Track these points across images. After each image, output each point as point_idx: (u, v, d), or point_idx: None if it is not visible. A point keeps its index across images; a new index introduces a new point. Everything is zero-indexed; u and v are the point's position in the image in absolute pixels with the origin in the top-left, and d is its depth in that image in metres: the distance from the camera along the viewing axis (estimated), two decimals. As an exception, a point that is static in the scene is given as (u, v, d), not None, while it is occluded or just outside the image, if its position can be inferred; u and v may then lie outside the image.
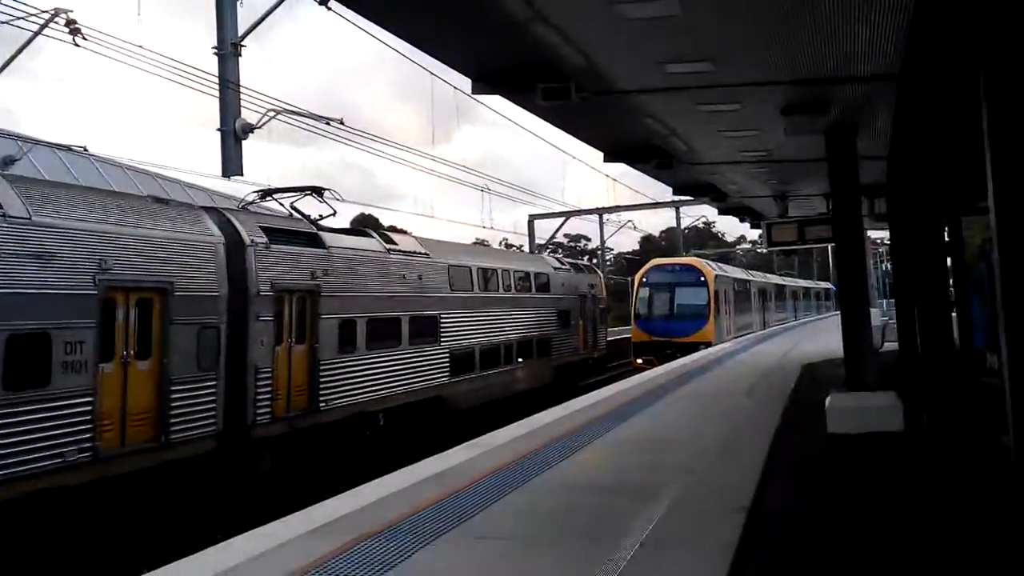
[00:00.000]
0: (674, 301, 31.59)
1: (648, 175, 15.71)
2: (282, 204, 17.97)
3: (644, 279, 32.59)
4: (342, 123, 12.77)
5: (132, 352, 11.52)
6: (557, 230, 60.04)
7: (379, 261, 18.06)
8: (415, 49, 8.43)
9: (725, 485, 7.79)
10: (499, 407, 21.25)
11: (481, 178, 31.76)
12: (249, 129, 11.68)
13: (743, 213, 24.42)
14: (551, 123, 11.75)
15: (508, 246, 73.28)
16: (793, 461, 9.12)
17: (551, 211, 51.80)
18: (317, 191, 17.66)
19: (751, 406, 13.40)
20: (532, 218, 53.10)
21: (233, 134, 11.49)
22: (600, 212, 57.26)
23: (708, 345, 29.43)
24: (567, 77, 8.47)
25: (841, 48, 7.67)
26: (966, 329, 7.95)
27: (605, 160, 14.06)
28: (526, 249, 54.16)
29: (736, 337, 34.53)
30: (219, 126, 12.62)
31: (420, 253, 20.14)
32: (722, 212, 25.89)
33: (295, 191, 17.72)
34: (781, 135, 11.25)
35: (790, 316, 55.02)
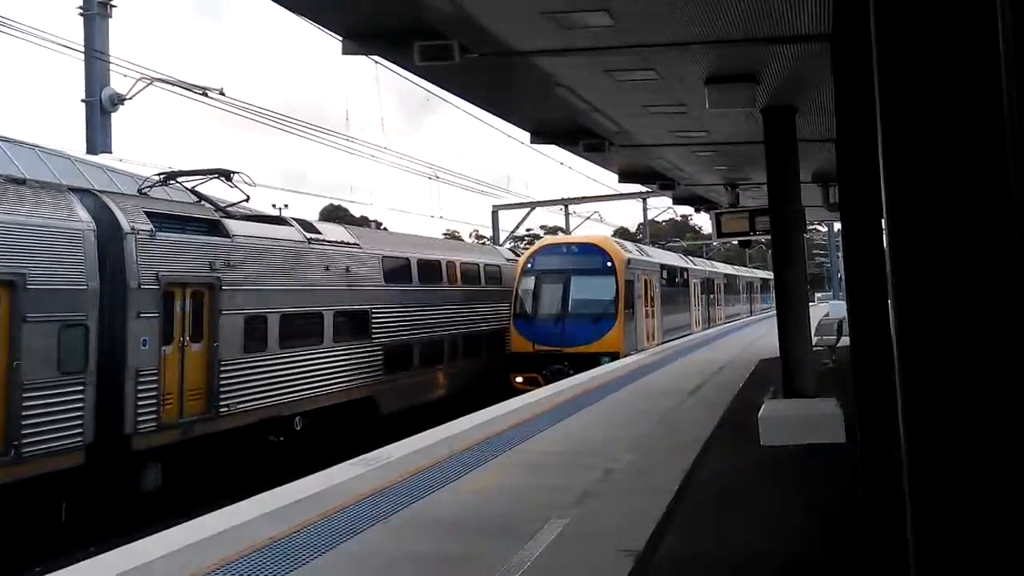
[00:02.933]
0: (568, 295, 22.03)
1: (584, 159, 14.45)
2: (188, 189, 16.49)
3: (529, 264, 23.03)
4: (222, 93, 11.37)
5: (-30, 354, 10.03)
6: (520, 222, 58.84)
7: (296, 252, 16.59)
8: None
9: (623, 518, 6.53)
10: (445, 407, 19.92)
11: (429, 167, 29.66)
12: (118, 100, 10.22)
13: (697, 202, 23.35)
14: (462, 97, 10.44)
15: (479, 238, 71.90)
16: (712, 484, 7.88)
17: (517, 203, 50.58)
18: (225, 174, 16.16)
19: (682, 416, 12.19)
20: (496, 209, 51.86)
21: (99, 105, 10.02)
22: (565, 203, 56.12)
23: (615, 357, 21.12)
24: (447, 35, 7.12)
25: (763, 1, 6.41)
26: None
27: (532, 141, 12.78)
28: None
29: (664, 343, 26.68)
30: (84, 96, 11.10)
31: (347, 243, 18.69)
32: (676, 201, 24.83)
33: (200, 174, 16.22)
34: (716, 114, 10.03)
35: (744, 312, 49.66)
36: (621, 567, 5.33)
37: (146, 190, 15.68)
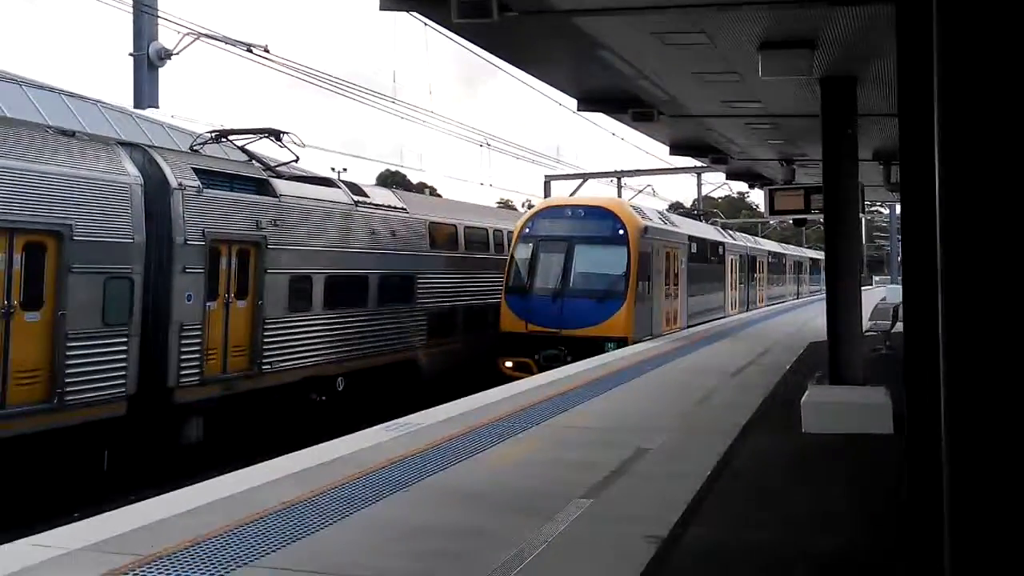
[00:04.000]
0: (569, 268, 18.61)
1: (632, 128, 14.04)
2: (240, 148, 16.58)
3: (526, 229, 19.52)
4: (266, 51, 11.28)
5: (17, 303, 10.24)
6: (573, 193, 58.14)
7: (344, 214, 16.60)
8: None
9: (650, 501, 6.33)
10: (485, 374, 19.87)
11: (480, 134, 29.31)
12: (165, 54, 10.22)
13: (751, 178, 22.62)
14: (505, 59, 10.16)
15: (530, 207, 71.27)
16: (747, 471, 7.61)
17: (569, 174, 50.00)
18: (274, 133, 16.18)
19: (724, 394, 11.88)
20: (548, 179, 51.36)
21: (147, 60, 10.03)
22: (619, 176, 55.27)
23: (622, 343, 17.88)
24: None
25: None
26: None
27: (579, 108, 12.43)
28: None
29: (690, 327, 23.21)
30: (131, 51, 11.13)
31: (394, 207, 18.64)
32: (730, 177, 24.12)
33: (250, 133, 16.27)
34: (771, 84, 9.55)
35: (790, 295, 45.14)
36: (642, 554, 5.15)
37: (198, 147, 15.82)
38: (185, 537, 5.19)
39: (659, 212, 24.52)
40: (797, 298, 46.48)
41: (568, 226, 19.25)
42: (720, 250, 29.20)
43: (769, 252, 40.24)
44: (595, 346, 17.30)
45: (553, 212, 20.11)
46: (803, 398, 9.28)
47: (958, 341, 2.44)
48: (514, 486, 6.70)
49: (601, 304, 18.29)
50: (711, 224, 37.57)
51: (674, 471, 7.25)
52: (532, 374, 15.44)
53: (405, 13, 8.44)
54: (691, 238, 24.70)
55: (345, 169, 39.66)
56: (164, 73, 11.64)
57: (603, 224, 19.13)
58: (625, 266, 18.57)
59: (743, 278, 32.74)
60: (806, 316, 29.34)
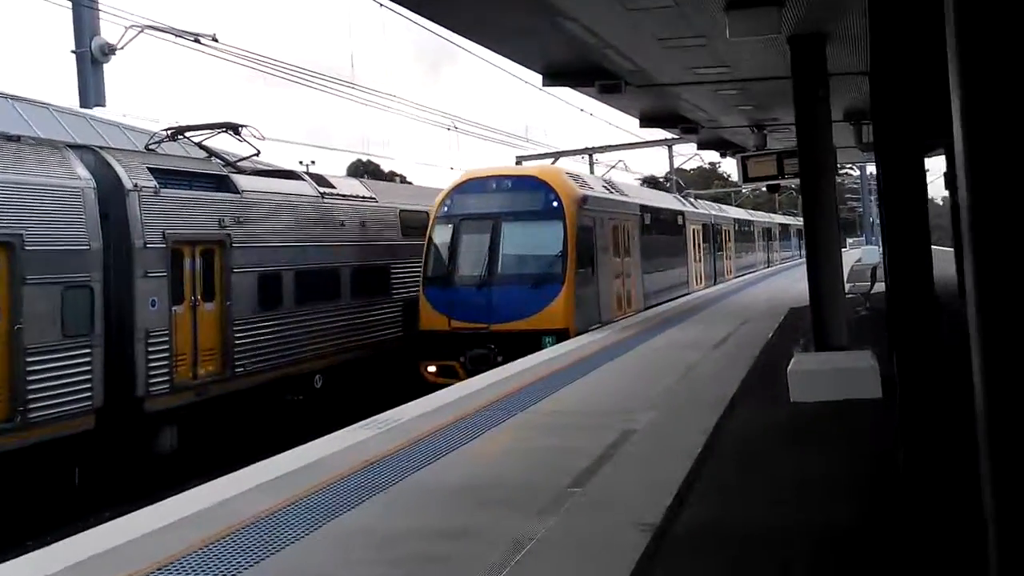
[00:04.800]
0: (496, 250, 15.84)
1: (600, 101, 13.72)
2: (199, 145, 16.05)
3: (444, 207, 16.58)
4: (215, 39, 10.80)
5: (-32, 319, 9.77)
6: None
7: (310, 207, 16.17)
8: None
9: (641, 486, 6.09)
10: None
11: (446, 116, 28.75)
12: (109, 50, 9.74)
13: (722, 147, 22.43)
14: (459, 32, 9.78)
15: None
16: (736, 445, 7.39)
17: (540, 153, 49.63)
18: (232, 128, 15.68)
19: (705, 370, 11.68)
20: (519, 160, 50.96)
21: (90, 56, 9.55)
22: (590, 152, 55.04)
23: (562, 336, 15.31)
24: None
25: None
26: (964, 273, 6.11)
27: (544, 83, 12.11)
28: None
29: (648, 308, 20.45)
30: (73, 47, 10.62)
31: (362, 197, 18.21)
32: (701, 146, 23.93)
33: (207, 128, 15.75)
34: (738, 47, 9.27)
35: (760, 263, 42.36)
36: (636, 544, 4.90)
37: (153, 146, 15.29)
38: (155, 559, 4.87)
39: (604, 180, 21.53)
40: (768, 266, 44.07)
41: (493, 201, 16.30)
42: (679, 220, 26.26)
43: (736, 220, 37.89)
44: (531, 342, 14.69)
45: (475, 185, 16.76)
46: (789, 366, 9.09)
47: (995, 308, 2.14)
48: (498, 480, 6.42)
49: (535, 291, 15.44)
50: (682, 195, 36.09)
51: (662, 451, 7.01)
52: (460, 379, 13.14)
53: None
54: (644, 208, 21.74)
55: (313, 162, 39.01)
56: (113, 70, 11.11)
57: (534, 196, 16.13)
58: (562, 244, 15.70)
59: (708, 249, 30.09)
60: (779, 285, 28.14)
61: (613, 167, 46.27)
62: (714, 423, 7.94)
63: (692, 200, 32.43)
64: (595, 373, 11.47)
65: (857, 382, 8.84)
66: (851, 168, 61.80)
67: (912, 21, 7.27)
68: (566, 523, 5.28)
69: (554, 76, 11.45)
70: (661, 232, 23.46)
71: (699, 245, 28.42)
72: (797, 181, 13.48)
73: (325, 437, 8.20)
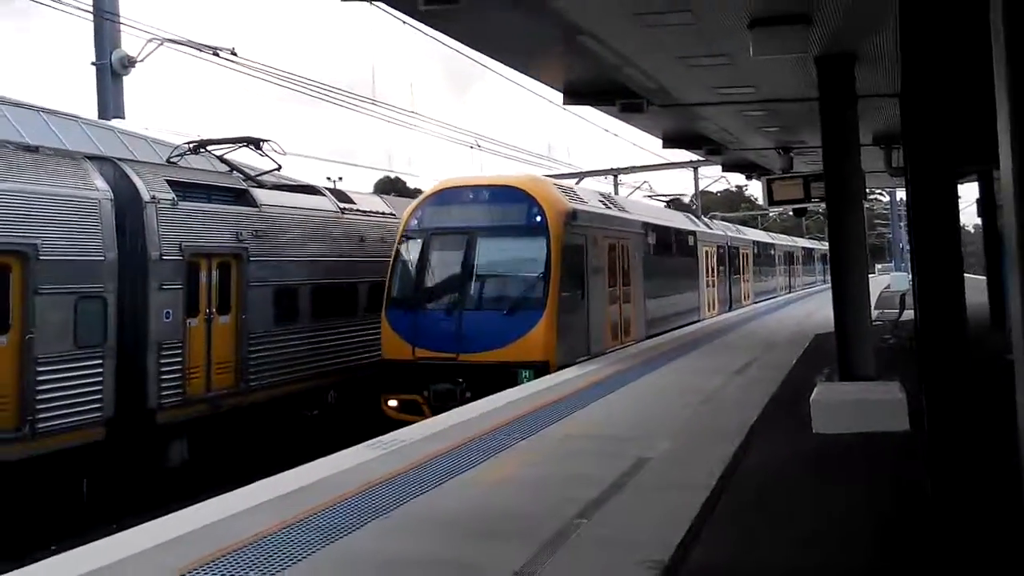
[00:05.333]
0: (468, 270, 14.02)
1: (622, 120, 13.53)
2: (221, 158, 16.08)
3: (413, 220, 14.74)
4: (233, 53, 10.78)
5: (-20, 327, 9.74)
6: (569, 191, 57.57)
7: (329, 222, 16.11)
8: None
9: (651, 519, 5.81)
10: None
11: (471, 135, 28.71)
12: (129, 62, 9.73)
13: (748, 169, 22.09)
14: (482, 51, 9.66)
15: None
16: (755, 478, 7.08)
17: (565, 173, 49.51)
18: (254, 142, 15.70)
19: (728, 395, 11.34)
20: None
21: (110, 69, 9.55)
22: (615, 173, 54.86)
23: (542, 370, 13.25)
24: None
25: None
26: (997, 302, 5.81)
27: (565, 102, 11.94)
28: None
29: (651, 336, 18.51)
30: (94, 59, 10.65)
31: (383, 213, 18.13)
32: (726, 168, 23.63)
33: (229, 142, 15.77)
34: (763, 66, 9.05)
35: (781, 288, 40.19)
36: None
37: (176, 159, 15.34)
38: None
39: (601, 195, 19.16)
40: (790, 291, 41.86)
41: (468, 214, 14.39)
42: (690, 240, 24.16)
43: (755, 242, 35.48)
44: (504, 375, 12.74)
45: (448, 196, 14.78)
46: (812, 396, 8.76)
47: None
48: (502, 508, 6.18)
49: (512, 318, 13.41)
50: (708, 216, 35.13)
51: (676, 482, 6.73)
52: (425, 416, 11.59)
53: (374, 7, 7.95)
54: (648, 226, 19.62)
55: (340, 178, 39.17)
56: (138, 82, 11.12)
57: (514, 209, 14.13)
58: (544, 264, 13.66)
59: (723, 273, 27.95)
60: (802, 311, 26.89)
61: (638, 188, 45.81)
62: (733, 451, 7.64)
63: (706, 220, 30.33)
64: (613, 395, 11.19)
65: (884, 414, 8.49)
66: (881, 193, 61.02)
67: (946, 41, 7.02)
68: (569, 558, 5.02)
69: (575, 95, 11.29)
70: (668, 253, 21.67)
71: (712, 268, 26.46)
72: (824, 205, 13.20)
73: (333, 455, 8.02)
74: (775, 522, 5.89)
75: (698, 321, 23.41)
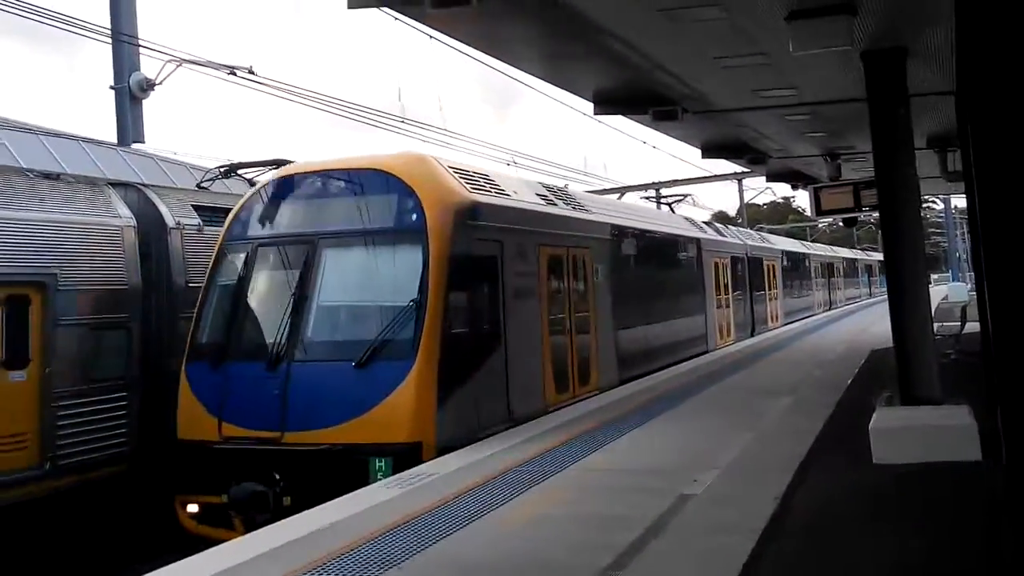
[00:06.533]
0: (305, 300, 9.28)
1: (656, 130, 12.95)
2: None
3: (238, 223, 10.32)
4: (251, 72, 10.51)
5: (-1, 362, 9.51)
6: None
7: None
8: None
9: (692, 571, 5.19)
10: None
11: (507, 152, 28.24)
12: (148, 85, 9.52)
13: (794, 178, 21.24)
14: (502, 59, 9.22)
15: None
16: (808, 519, 6.39)
17: (606, 188, 48.93)
18: (283, 164, 15.47)
19: (779, 419, 10.60)
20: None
21: (128, 92, 9.34)
22: (657, 187, 54.11)
23: (411, 456, 8.43)
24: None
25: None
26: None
27: (596, 112, 11.41)
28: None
29: (624, 382, 13.52)
30: (112, 83, 10.47)
31: None
32: (770, 178, 22.76)
33: (259, 165, 15.57)
34: (805, 64, 8.40)
35: (820, 306, 34.97)
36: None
37: (207, 183, 15.16)
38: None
39: (544, 186, 13.23)
40: (829, 309, 36.14)
41: (312, 214, 9.77)
42: (690, 250, 18.82)
43: (785, 253, 30.18)
44: (346, 468, 8.29)
45: (286, 188, 10.14)
46: (871, 423, 8.01)
47: None
48: (528, 555, 5.61)
49: (366, 373, 8.67)
50: (754, 229, 32.03)
51: (721, 524, 6.08)
52: (237, 533, 7.89)
53: (390, 16, 7.55)
54: (620, 231, 14.43)
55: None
56: (161, 106, 10.91)
57: (379, 204, 9.40)
58: (419, 287, 8.90)
59: (741, 290, 22.80)
60: (843, 333, 22.97)
61: (679, 201, 44.60)
62: (784, 488, 6.95)
63: (718, 226, 24.52)
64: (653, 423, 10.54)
65: (951, 441, 7.71)
66: (933, 201, 59.06)
67: (1007, 32, 6.33)
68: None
69: (606, 103, 10.76)
70: (655, 267, 16.53)
71: (726, 285, 21.29)
72: (876, 214, 12.32)
73: (348, 495, 7.50)
74: (830, 573, 5.20)
75: (704, 353, 18.45)
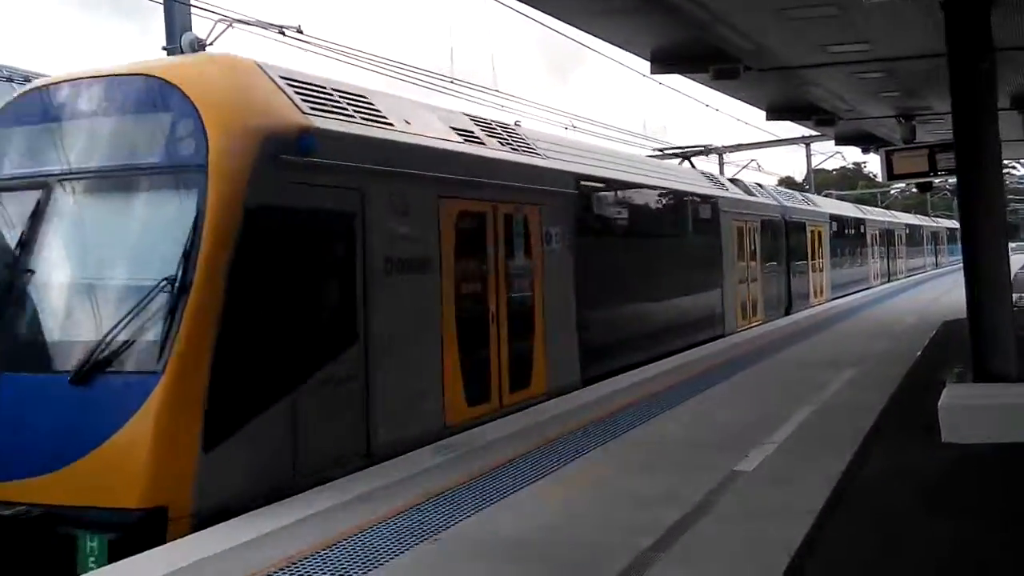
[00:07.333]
0: (24, 272, 6.03)
1: (716, 89, 12.39)
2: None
3: None
4: (300, 31, 10.34)
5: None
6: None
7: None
8: None
9: (739, 557, 4.91)
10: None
11: (566, 115, 27.57)
12: (199, 46, 9.43)
13: (864, 141, 20.30)
14: (559, 17, 8.84)
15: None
16: (870, 500, 6.02)
17: (669, 153, 47.82)
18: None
19: (843, 390, 10.14)
20: (650, 158, 49.27)
21: (181, 53, 9.28)
22: (720, 151, 52.67)
23: (138, 533, 5.09)
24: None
25: None
26: None
27: (653, 71, 10.95)
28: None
29: (592, 378, 10.65)
30: (164, 44, 10.42)
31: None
32: (839, 141, 21.81)
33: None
34: (879, 16, 7.81)
35: (876, 277, 31.57)
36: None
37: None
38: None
39: (469, 118, 9.78)
40: (888, 280, 32.43)
41: (53, 145, 6.52)
42: (703, 211, 15.77)
43: (832, 216, 26.42)
44: (42, 547, 5.26)
45: (28, 108, 6.76)
46: (941, 400, 7.54)
47: None
48: (563, 533, 5.39)
49: (85, 395, 5.63)
50: (823, 194, 29.81)
51: (773, 506, 5.76)
52: None
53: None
54: (589, 182, 11.39)
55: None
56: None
57: (143, 127, 6.37)
58: (181, 255, 5.80)
59: (774, 260, 19.69)
60: (902, 311, 20.05)
61: (744, 167, 42.94)
62: (844, 466, 6.57)
63: (745, 183, 20.15)
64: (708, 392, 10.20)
65: (1028, 421, 7.20)
66: (1013, 166, 55.98)
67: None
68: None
69: (663, 61, 10.28)
70: (645, 230, 13.38)
71: (752, 253, 18.01)
72: (952, 179, 11.58)
73: (393, 460, 7.38)
74: (893, 563, 4.85)
75: (720, 337, 15.55)
